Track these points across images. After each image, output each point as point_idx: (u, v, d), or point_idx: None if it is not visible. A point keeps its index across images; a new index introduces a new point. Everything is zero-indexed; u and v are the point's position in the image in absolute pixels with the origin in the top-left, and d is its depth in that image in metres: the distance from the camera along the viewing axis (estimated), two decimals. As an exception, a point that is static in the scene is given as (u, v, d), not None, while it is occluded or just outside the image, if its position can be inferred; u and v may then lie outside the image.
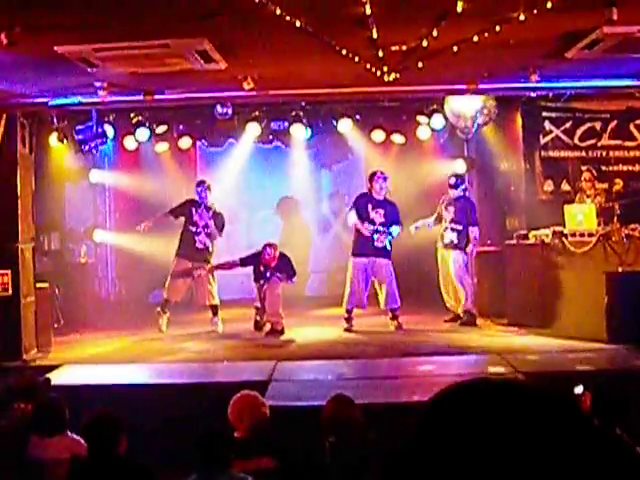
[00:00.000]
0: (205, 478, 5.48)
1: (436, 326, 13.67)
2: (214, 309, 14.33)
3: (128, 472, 5.83)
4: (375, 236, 13.79)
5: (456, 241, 14.26)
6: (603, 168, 15.17)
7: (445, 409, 1.31)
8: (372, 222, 13.81)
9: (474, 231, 14.19)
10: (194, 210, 14.32)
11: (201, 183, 14.67)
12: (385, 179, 14.08)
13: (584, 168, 14.65)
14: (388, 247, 13.90)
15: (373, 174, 14.20)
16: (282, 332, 13.33)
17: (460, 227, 14.25)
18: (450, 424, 1.28)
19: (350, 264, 13.99)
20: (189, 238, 14.33)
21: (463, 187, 14.86)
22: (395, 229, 13.94)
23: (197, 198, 14.46)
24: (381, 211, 13.89)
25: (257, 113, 15.76)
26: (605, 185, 14.81)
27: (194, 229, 14.27)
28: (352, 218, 14.06)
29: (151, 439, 7.90)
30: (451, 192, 14.60)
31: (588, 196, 14.10)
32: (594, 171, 14.52)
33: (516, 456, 1.20)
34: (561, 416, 1.27)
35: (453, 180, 14.67)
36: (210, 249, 14.38)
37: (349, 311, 13.93)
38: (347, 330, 13.77)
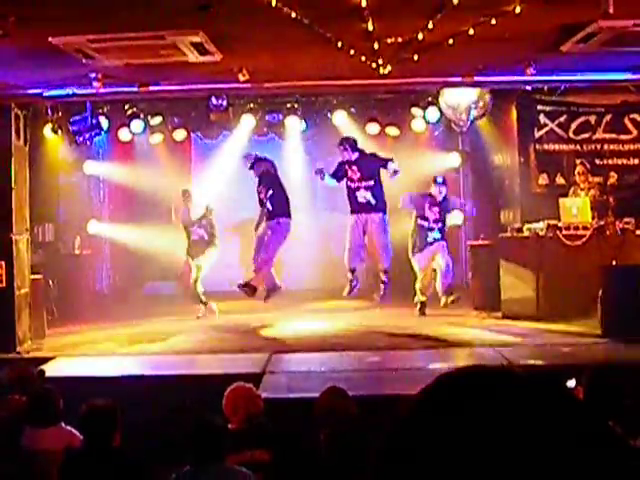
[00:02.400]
0: (199, 470, 5.48)
1: (431, 319, 13.66)
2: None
3: (122, 464, 5.83)
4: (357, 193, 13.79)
5: (440, 236, 14.33)
6: (597, 161, 15.19)
7: (435, 398, 1.31)
8: (351, 180, 13.82)
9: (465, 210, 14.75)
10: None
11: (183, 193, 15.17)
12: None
13: (578, 161, 14.66)
14: (372, 201, 13.73)
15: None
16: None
17: (442, 225, 14.34)
18: (441, 413, 1.27)
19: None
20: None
21: (446, 189, 14.67)
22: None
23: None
24: (355, 167, 13.77)
25: (252, 105, 15.75)
26: (599, 178, 14.83)
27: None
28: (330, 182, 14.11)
29: (145, 431, 7.90)
30: (436, 190, 14.42)
31: (582, 189, 14.11)
32: (588, 164, 14.52)
33: (509, 445, 1.20)
34: (555, 404, 1.27)
35: (441, 179, 14.54)
36: (207, 237, 14.60)
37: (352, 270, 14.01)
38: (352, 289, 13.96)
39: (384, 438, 1.29)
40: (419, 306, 14.42)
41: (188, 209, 14.76)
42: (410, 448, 1.25)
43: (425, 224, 14.14)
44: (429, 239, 14.16)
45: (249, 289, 13.49)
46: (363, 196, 13.65)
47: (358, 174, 13.68)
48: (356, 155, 13.80)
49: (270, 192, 13.54)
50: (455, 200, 14.86)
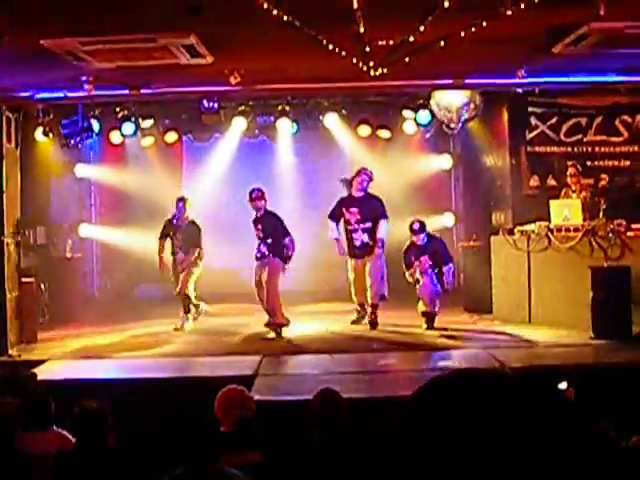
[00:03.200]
0: (191, 472, 5.47)
1: (421, 321, 13.68)
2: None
3: (114, 466, 5.82)
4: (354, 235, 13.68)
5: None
6: (588, 163, 15.23)
7: (429, 400, 1.32)
8: (348, 222, 13.73)
9: (449, 269, 13.62)
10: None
11: (180, 200, 14.38)
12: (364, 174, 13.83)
13: (569, 163, 14.68)
14: (370, 242, 13.52)
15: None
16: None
17: (437, 268, 13.53)
18: (434, 415, 1.28)
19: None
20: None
21: (426, 232, 13.67)
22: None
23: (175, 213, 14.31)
24: (354, 209, 13.62)
25: (243, 107, 15.74)
26: (590, 180, 14.86)
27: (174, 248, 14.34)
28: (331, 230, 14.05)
29: (136, 433, 7.89)
30: (416, 238, 13.56)
31: (574, 191, 14.13)
32: (579, 166, 14.55)
33: (501, 446, 1.21)
34: (546, 406, 1.27)
35: (417, 225, 13.55)
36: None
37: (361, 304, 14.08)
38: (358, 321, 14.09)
39: (378, 439, 1.30)
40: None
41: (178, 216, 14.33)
42: (403, 449, 1.25)
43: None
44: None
45: (277, 327, 13.08)
46: (360, 239, 13.60)
47: (358, 216, 13.60)
48: (360, 194, 13.72)
49: (269, 240, 13.31)
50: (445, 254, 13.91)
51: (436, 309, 13.36)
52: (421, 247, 13.47)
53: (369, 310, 13.70)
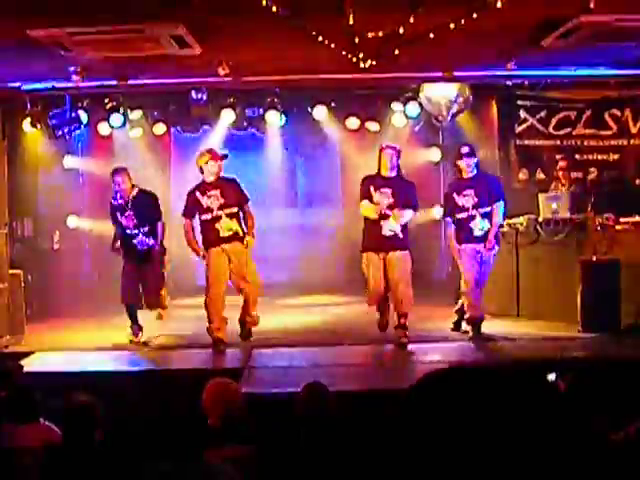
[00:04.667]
0: (178, 466, 5.45)
1: (413, 315, 13.66)
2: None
3: (103, 460, 5.80)
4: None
5: (487, 229, 11.69)
6: (577, 157, 15.26)
7: (425, 394, 1.30)
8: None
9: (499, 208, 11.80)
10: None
11: (115, 172, 12.33)
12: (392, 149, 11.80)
13: (559, 157, 14.69)
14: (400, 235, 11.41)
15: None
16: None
17: (488, 209, 11.70)
18: (430, 408, 1.26)
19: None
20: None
21: (477, 159, 11.98)
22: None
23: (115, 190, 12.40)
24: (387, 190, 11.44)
25: (232, 99, 15.70)
26: (579, 174, 14.89)
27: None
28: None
29: (124, 426, 7.87)
30: (464, 164, 11.81)
31: (563, 184, 14.15)
32: (569, 160, 14.57)
33: (493, 438, 1.19)
34: (538, 400, 1.26)
35: (466, 148, 11.92)
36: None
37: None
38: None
39: (372, 434, 1.29)
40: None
41: None
42: (398, 444, 1.24)
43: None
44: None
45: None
46: (390, 227, 11.36)
47: (391, 199, 11.36)
48: (394, 173, 11.58)
49: None
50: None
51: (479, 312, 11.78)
52: (467, 180, 11.76)
53: (402, 319, 11.59)
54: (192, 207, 11.70)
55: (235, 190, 11.67)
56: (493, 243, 11.60)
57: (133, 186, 12.16)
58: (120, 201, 12.12)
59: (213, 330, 11.45)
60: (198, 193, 11.64)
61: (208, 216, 11.52)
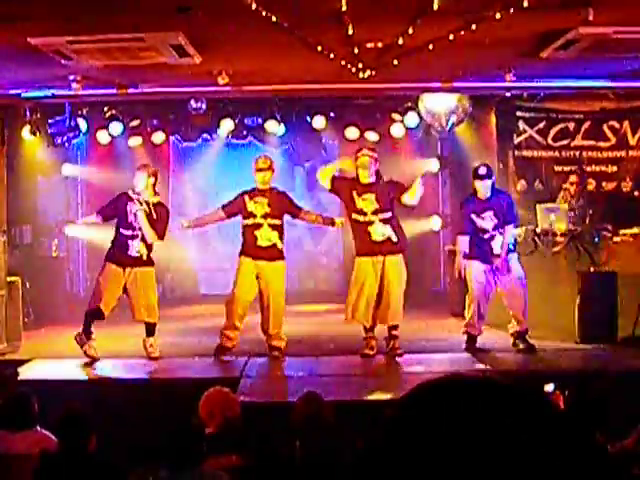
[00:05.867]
0: (175, 475, 5.45)
1: (409, 324, 13.65)
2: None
3: (98, 468, 5.79)
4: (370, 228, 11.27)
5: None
6: (576, 168, 15.27)
7: (418, 406, 1.30)
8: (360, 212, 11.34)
9: (513, 230, 11.79)
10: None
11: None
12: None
13: (563, 169, 14.74)
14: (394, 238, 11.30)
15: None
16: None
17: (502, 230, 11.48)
18: (422, 420, 1.26)
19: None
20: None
21: (494, 179, 11.75)
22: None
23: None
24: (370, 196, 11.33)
25: (231, 108, 15.71)
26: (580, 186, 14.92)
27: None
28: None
29: (121, 435, 7.86)
30: (481, 185, 11.47)
31: (573, 196, 14.20)
32: (579, 172, 14.65)
33: (487, 452, 1.19)
34: (533, 412, 1.26)
35: (484, 169, 11.56)
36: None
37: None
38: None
39: (365, 445, 1.29)
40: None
41: None
42: (390, 455, 1.24)
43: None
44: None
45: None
46: (381, 232, 11.29)
47: (376, 205, 11.30)
48: (373, 178, 11.46)
49: None
50: None
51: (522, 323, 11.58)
52: (485, 201, 11.45)
53: (394, 330, 11.54)
54: (235, 205, 11.66)
55: (284, 202, 11.65)
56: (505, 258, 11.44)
57: (156, 193, 11.75)
58: (136, 196, 11.57)
59: (222, 334, 11.45)
60: (247, 197, 11.55)
61: (249, 221, 11.48)
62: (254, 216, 11.40)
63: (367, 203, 11.29)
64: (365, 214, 11.28)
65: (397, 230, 11.41)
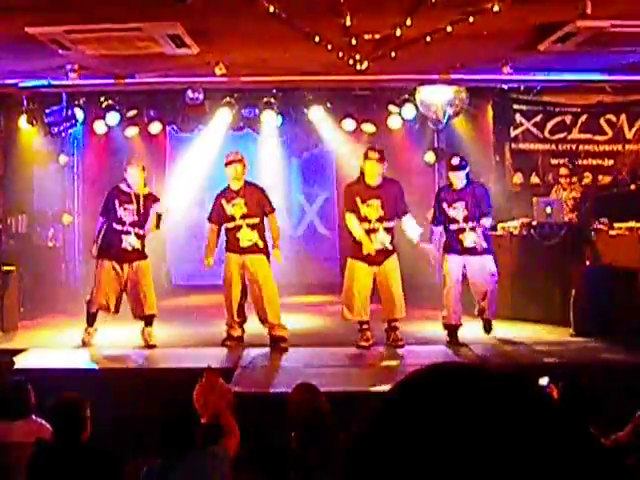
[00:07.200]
0: (170, 464, 5.46)
1: (404, 318, 13.67)
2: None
3: (93, 457, 5.80)
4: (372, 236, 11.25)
5: (483, 243, 11.51)
6: (572, 161, 15.28)
7: (406, 395, 1.30)
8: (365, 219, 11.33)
9: (487, 222, 11.56)
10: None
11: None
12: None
13: (559, 162, 14.74)
14: (389, 247, 11.35)
15: None
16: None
17: (476, 223, 11.39)
18: (411, 410, 1.26)
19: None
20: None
21: (468, 171, 11.59)
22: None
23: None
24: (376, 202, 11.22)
25: (228, 99, 15.69)
26: (574, 179, 14.91)
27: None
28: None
29: (116, 424, 7.87)
30: (455, 176, 11.53)
31: (564, 189, 14.20)
32: (570, 165, 14.63)
33: (479, 443, 1.19)
34: (527, 402, 1.26)
35: (457, 160, 11.60)
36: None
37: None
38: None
39: (355, 435, 1.29)
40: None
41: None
42: (380, 446, 1.24)
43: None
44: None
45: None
46: (380, 241, 11.24)
47: (381, 211, 11.21)
48: (380, 180, 11.33)
49: None
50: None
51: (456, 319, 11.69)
52: (458, 192, 11.45)
53: (396, 323, 11.64)
54: (216, 213, 11.70)
55: (259, 199, 11.63)
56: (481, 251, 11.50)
57: (145, 185, 11.92)
58: (128, 190, 11.72)
59: (227, 325, 11.63)
60: (223, 200, 11.58)
61: (230, 224, 11.50)
62: (234, 219, 11.46)
63: (372, 210, 11.20)
64: (370, 221, 11.22)
65: (394, 236, 11.41)
